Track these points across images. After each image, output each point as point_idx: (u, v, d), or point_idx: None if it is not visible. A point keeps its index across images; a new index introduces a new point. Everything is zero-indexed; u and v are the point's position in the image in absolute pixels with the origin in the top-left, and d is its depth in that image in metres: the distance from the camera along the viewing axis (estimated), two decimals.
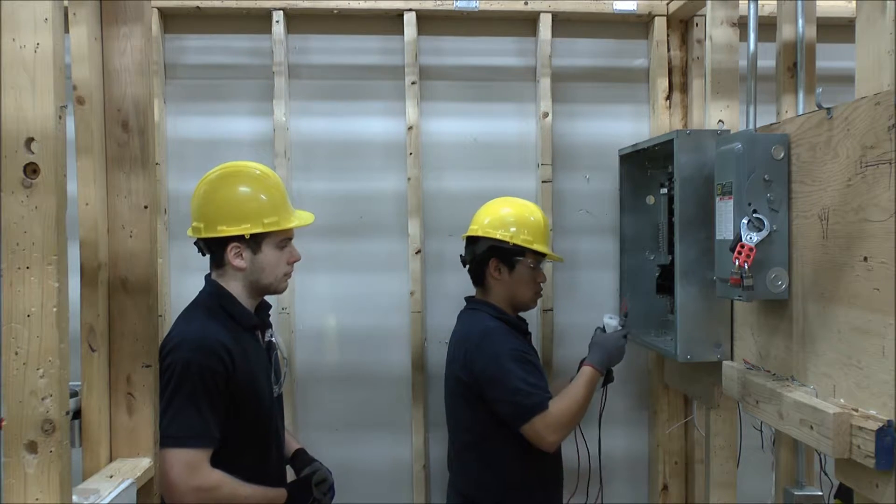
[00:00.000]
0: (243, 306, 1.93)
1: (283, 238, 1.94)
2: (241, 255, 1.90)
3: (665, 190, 2.53)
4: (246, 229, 1.88)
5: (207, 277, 1.97)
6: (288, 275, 1.99)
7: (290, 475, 2.09)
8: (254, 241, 1.90)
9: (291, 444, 2.15)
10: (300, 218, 1.98)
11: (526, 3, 2.67)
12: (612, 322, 2.35)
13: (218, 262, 1.94)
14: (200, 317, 1.89)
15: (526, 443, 2.19)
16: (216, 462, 1.78)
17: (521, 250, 2.31)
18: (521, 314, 2.45)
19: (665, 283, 2.47)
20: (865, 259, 1.39)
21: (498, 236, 2.32)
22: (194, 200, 1.94)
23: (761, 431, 2.43)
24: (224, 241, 1.90)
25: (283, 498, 1.92)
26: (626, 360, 2.77)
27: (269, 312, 2.08)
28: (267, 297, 2.06)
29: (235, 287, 1.93)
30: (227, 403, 1.81)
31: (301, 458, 2.10)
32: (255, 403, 1.88)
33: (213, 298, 1.92)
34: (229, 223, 1.88)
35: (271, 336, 2.04)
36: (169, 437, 1.66)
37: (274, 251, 1.92)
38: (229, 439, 1.81)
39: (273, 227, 1.89)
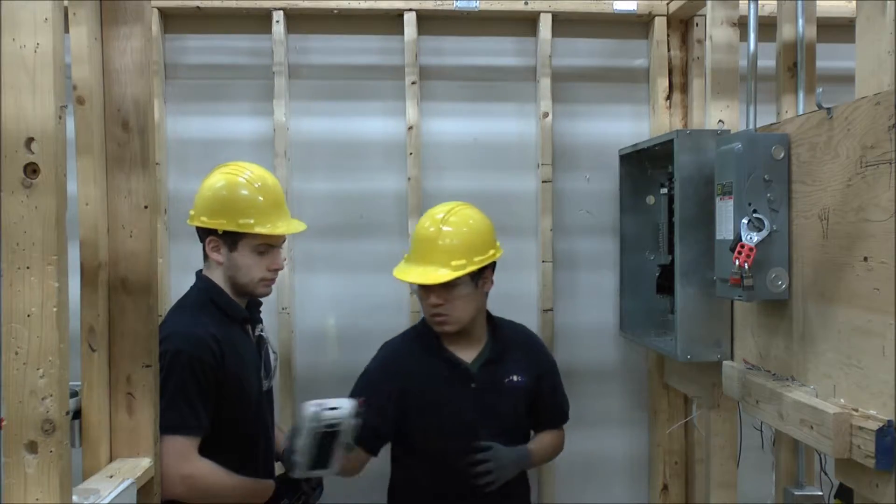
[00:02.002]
0: (232, 299, 1.96)
1: (263, 243, 1.94)
2: (219, 249, 1.94)
3: (665, 190, 2.53)
4: (221, 225, 1.91)
5: (198, 273, 2.01)
6: (266, 280, 1.98)
7: (281, 471, 2.09)
8: (230, 239, 1.93)
9: (284, 440, 2.16)
10: (280, 227, 1.96)
11: (526, 3, 2.67)
12: (329, 413, 1.78)
13: (204, 255, 1.98)
14: (190, 310, 1.93)
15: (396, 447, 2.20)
16: (204, 453, 1.80)
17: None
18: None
19: (665, 283, 2.47)
20: (865, 259, 1.39)
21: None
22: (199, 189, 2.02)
23: (761, 431, 2.43)
24: (206, 233, 1.95)
25: (270, 490, 1.94)
26: (625, 361, 2.79)
27: (261, 309, 2.10)
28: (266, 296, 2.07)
29: (220, 280, 1.96)
30: (216, 394, 1.83)
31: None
32: (242, 396, 1.90)
33: (202, 292, 1.96)
34: (209, 216, 1.93)
35: (261, 331, 2.06)
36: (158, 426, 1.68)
37: (250, 254, 1.94)
38: (217, 430, 1.83)
39: (245, 230, 1.91)
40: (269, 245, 1.96)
